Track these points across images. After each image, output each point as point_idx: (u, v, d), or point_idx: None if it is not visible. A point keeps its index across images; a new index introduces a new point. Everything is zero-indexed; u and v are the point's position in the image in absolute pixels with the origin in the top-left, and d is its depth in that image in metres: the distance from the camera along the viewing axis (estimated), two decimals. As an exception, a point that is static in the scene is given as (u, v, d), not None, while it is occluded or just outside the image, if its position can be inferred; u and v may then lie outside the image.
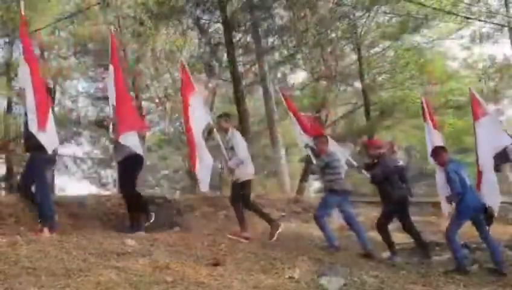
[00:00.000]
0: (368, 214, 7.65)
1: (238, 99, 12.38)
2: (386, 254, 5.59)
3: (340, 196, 5.81)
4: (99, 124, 7.08)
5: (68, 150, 21.30)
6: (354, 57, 17.36)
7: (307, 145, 6.52)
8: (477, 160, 5.95)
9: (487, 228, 5.22)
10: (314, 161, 6.18)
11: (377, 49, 17.27)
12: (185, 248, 4.74)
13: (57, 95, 20.96)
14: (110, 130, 5.99)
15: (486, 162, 5.76)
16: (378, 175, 5.58)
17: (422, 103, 6.85)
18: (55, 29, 18.43)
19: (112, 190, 27.94)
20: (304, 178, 14.88)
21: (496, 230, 6.66)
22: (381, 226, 5.75)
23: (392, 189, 5.54)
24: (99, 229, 6.06)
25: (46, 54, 19.75)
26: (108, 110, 6.39)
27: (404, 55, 16.15)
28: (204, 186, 6.12)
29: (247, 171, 5.88)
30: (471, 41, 17.08)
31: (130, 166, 5.80)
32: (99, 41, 17.75)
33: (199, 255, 4.49)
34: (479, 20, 14.96)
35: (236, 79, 12.35)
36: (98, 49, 18.61)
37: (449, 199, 5.25)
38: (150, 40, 16.93)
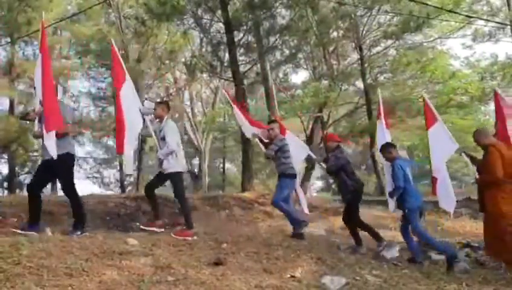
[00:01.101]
0: (366, 213, 7.65)
1: (240, 99, 12.35)
2: (379, 248, 5.65)
3: (292, 179, 6.21)
4: (23, 117, 6.73)
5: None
6: (356, 56, 17.35)
7: (254, 136, 6.91)
8: (430, 167, 6.04)
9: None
10: (263, 149, 6.60)
11: (378, 48, 17.26)
12: (186, 248, 4.73)
13: (59, 94, 20.96)
14: (36, 123, 5.42)
15: (440, 169, 5.88)
16: (331, 167, 5.94)
17: (379, 102, 6.91)
18: (57, 29, 18.50)
19: (114, 190, 28.06)
20: (305, 177, 14.88)
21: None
22: (348, 221, 5.95)
23: (347, 179, 5.80)
24: (101, 229, 6.08)
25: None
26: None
27: (406, 54, 16.14)
28: (129, 169, 6.09)
29: (176, 164, 5.62)
30: (473, 40, 17.07)
31: (66, 163, 5.20)
32: (100, 41, 17.80)
33: (201, 255, 4.48)
34: (481, 19, 14.92)
35: (237, 78, 12.32)
36: (99, 48, 18.69)
37: (391, 194, 5.49)
38: (152, 39, 16.98)
